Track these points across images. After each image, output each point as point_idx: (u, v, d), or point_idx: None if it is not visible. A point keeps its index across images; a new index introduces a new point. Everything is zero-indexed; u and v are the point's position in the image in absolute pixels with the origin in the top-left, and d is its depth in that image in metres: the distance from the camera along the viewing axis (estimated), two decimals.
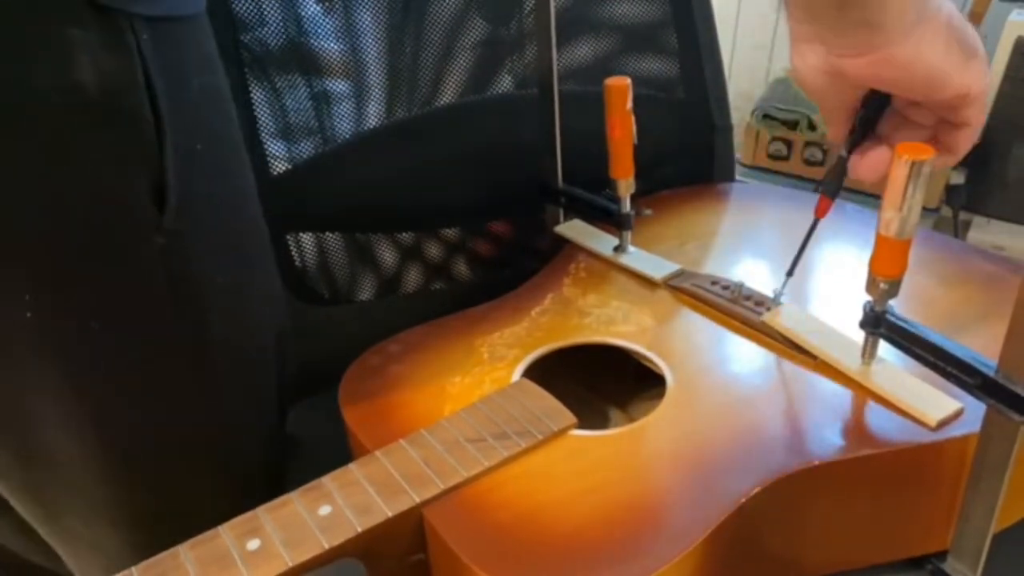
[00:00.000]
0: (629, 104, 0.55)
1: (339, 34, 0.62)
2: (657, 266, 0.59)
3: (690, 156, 0.76)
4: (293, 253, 0.64)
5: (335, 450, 0.47)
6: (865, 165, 0.43)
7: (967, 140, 0.42)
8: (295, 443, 0.59)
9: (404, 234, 0.69)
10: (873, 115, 0.43)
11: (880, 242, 0.41)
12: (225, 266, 0.45)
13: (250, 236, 0.49)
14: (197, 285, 0.43)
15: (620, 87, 0.55)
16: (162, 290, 0.41)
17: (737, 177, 0.79)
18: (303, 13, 0.60)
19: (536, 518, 0.39)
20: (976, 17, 1.27)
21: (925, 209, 0.69)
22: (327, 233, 0.66)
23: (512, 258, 0.74)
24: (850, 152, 0.44)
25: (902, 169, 0.38)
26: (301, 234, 0.65)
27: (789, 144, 1.39)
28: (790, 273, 0.50)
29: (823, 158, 1.34)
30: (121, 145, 0.38)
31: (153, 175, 0.39)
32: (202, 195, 0.42)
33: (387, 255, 0.69)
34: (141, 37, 0.37)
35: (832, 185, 0.46)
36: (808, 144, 1.36)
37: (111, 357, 0.40)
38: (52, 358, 0.39)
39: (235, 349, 0.46)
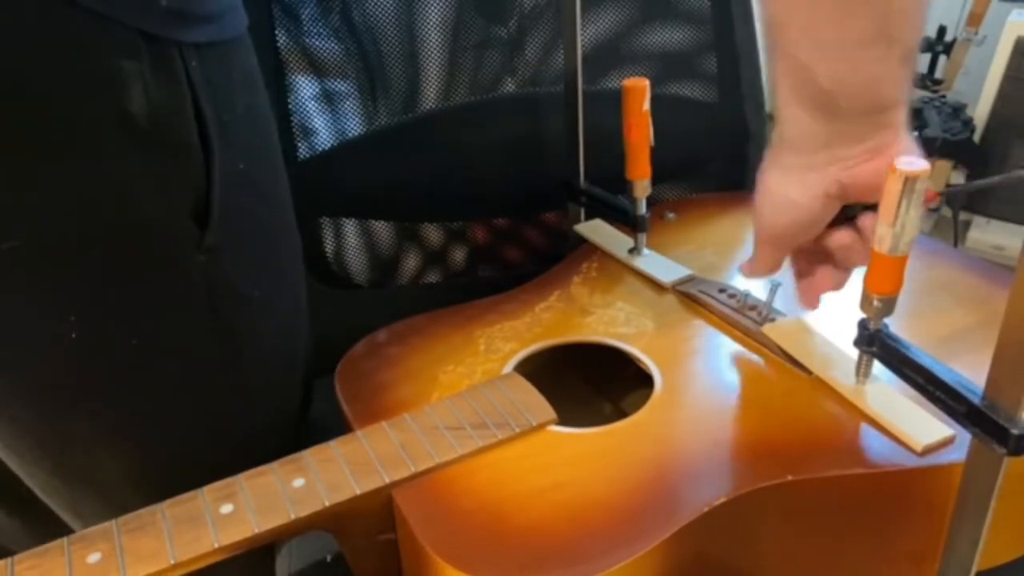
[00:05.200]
0: (646, 105, 0.55)
1: (364, 29, 0.63)
2: (668, 270, 0.58)
3: (724, 161, 0.75)
4: (316, 237, 0.67)
5: (342, 428, 0.49)
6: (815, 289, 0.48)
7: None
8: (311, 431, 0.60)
9: (428, 225, 0.70)
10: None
11: (874, 258, 0.40)
12: (261, 280, 0.46)
13: (284, 246, 0.50)
14: (235, 301, 0.44)
15: (638, 88, 0.54)
16: (202, 308, 0.42)
17: None
18: (335, 6, 0.62)
19: (499, 508, 0.39)
20: (976, 17, 1.26)
21: (925, 209, 0.67)
22: (351, 219, 0.68)
23: (533, 255, 0.74)
24: None
25: (895, 184, 0.37)
26: (325, 219, 0.67)
27: None
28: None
29: None
30: (169, 170, 0.39)
31: (198, 196, 0.40)
32: (242, 211, 0.43)
33: (410, 244, 0.70)
34: (190, 64, 0.38)
35: None
36: None
37: (152, 373, 0.41)
38: (96, 375, 0.40)
39: (267, 362, 0.48)
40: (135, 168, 0.38)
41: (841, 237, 0.45)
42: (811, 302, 0.48)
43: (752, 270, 0.48)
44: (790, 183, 0.42)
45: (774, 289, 0.50)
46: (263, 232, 0.47)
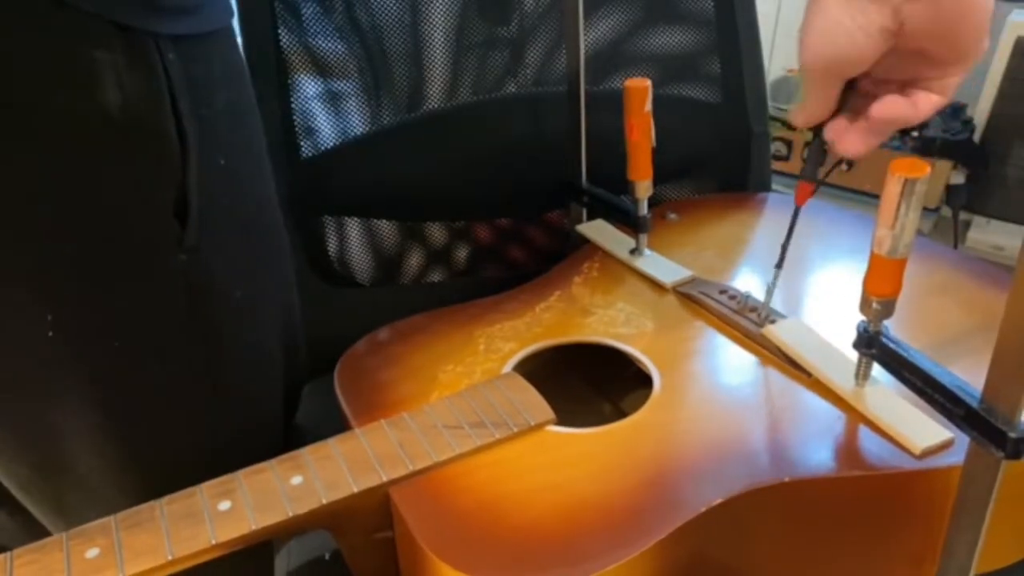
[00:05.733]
0: (648, 106, 0.55)
1: (367, 28, 0.63)
2: (669, 271, 0.58)
3: (726, 161, 0.74)
4: (319, 236, 0.67)
5: (342, 426, 0.49)
6: (849, 140, 0.42)
7: (936, 107, 0.40)
8: (301, 435, 0.60)
9: (430, 224, 0.70)
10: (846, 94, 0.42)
11: (873, 260, 0.40)
12: (243, 279, 0.45)
13: (268, 245, 0.49)
14: (214, 300, 0.43)
15: (639, 88, 0.54)
16: (181, 306, 0.42)
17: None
18: (337, 5, 0.62)
19: (496, 508, 0.39)
20: None
21: (925, 209, 0.67)
22: (353, 218, 0.68)
23: (537, 254, 0.74)
24: (820, 134, 0.43)
25: (895, 186, 0.37)
26: (328, 218, 0.67)
27: (789, 144, 1.36)
28: (779, 265, 0.49)
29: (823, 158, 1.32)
30: (145, 165, 0.38)
31: (176, 192, 0.39)
32: (223, 208, 0.43)
33: (412, 243, 0.70)
34: (167, 56, 0.38)
35: (810, 169, 0.45)
36: (808, 144, 1.33)
37: (131, 373, 0.41)
38: (75, 375, 0.40)
39: (250, 362, 0.47)
40: (110, 162, 0.37)
41: (888, 105, 0.40)
42: (844, 145, 0.43)
43: (804, 112, 0.43)
44: (843, 10, 0.38)
45: (772, 291, 0.50)
46: (245, 230, 0.46)
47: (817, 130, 0.43)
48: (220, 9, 0.43)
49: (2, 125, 0.34)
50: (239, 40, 0.58)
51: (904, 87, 0.40)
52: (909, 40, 0.38)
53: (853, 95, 0.42)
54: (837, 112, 0.42)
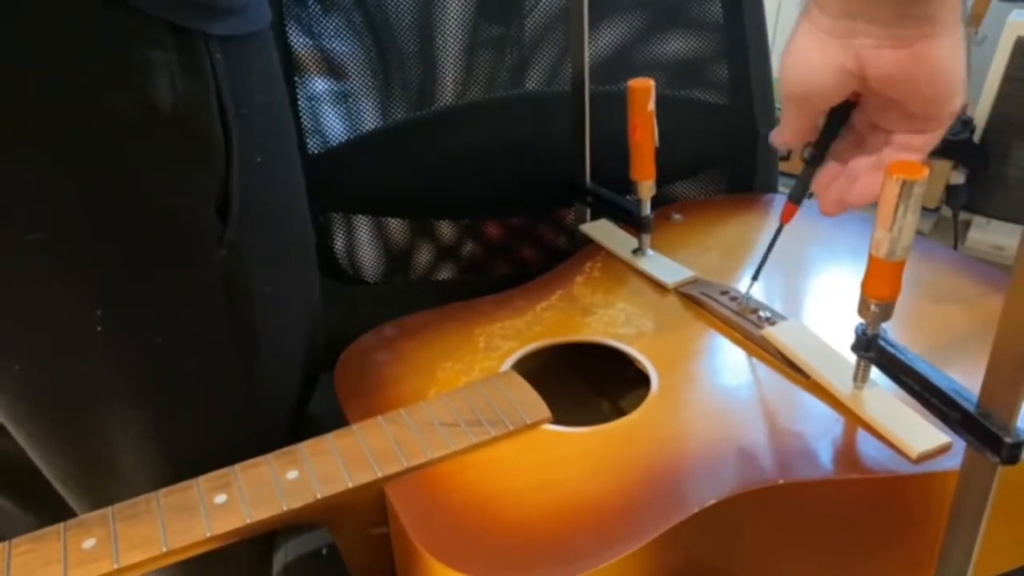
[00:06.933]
0: (651, 106, 0.55)
1: (376, 27, 0.64)
2: (671, 272, 0.58)
3: (732, 163, 0.74)
4: (326, 232, 0.67)
5: (344, 422, 0.49)
6: (831, 197, 0.45)
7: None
8: (313, 425, 0.61)
9: (436, 222, 0.70)
10: (834, 132, 0.44)
11: (871, 263, 0.40)
12: (274, 276, 0.46)
13: (297, 243, 0.51)
14: (249, 296, 0.44)
15: (643, 88, 0.54)
16: (220, 302, 0.43)
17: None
18: (344, 4, 0.62)
19: (489, 505, 0.39)
20: (976, 18, 1.24)
21: (925, 209, 0.67)
22: (359, 216, 0.68)
23: (544, 252, 0.74)
24: (812, 163, 0.46)
25: (893, 188, 0.37)
26: (332, 214, 0.67)
27: None
28: (755, 278, 0.50)
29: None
30: (193, 163, 0.39)
31: (219, 189, 0.40)
32: (259, 206, 0.44)
33: (417, 241, 0.71)
34: (215, 57, 0.39)
35: (797, 191, 0.47)
36: (808, 144, 1.32)
37: (172, 368, 0.42)
38: (120, 370, 0.41)
39: (277, 357, 0.48)
40: (161, 161, 0.38)
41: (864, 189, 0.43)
42: (828, 206, 0.46)
43: (780, 135, 0.46)
44: (812, 43, 0.40)
45: (750, 285, 0.50)
46: (278, 228, 0.47)
47: (812, 157, 0.45)
48: (262, 10, 0.44)
49: (59, 124, 0.35)
50: None
51: (888, 137, 0.43)
52: (876, 87, 0.40)
53: (845, 138, 0.44)
54: (823, 156, 0.45)
